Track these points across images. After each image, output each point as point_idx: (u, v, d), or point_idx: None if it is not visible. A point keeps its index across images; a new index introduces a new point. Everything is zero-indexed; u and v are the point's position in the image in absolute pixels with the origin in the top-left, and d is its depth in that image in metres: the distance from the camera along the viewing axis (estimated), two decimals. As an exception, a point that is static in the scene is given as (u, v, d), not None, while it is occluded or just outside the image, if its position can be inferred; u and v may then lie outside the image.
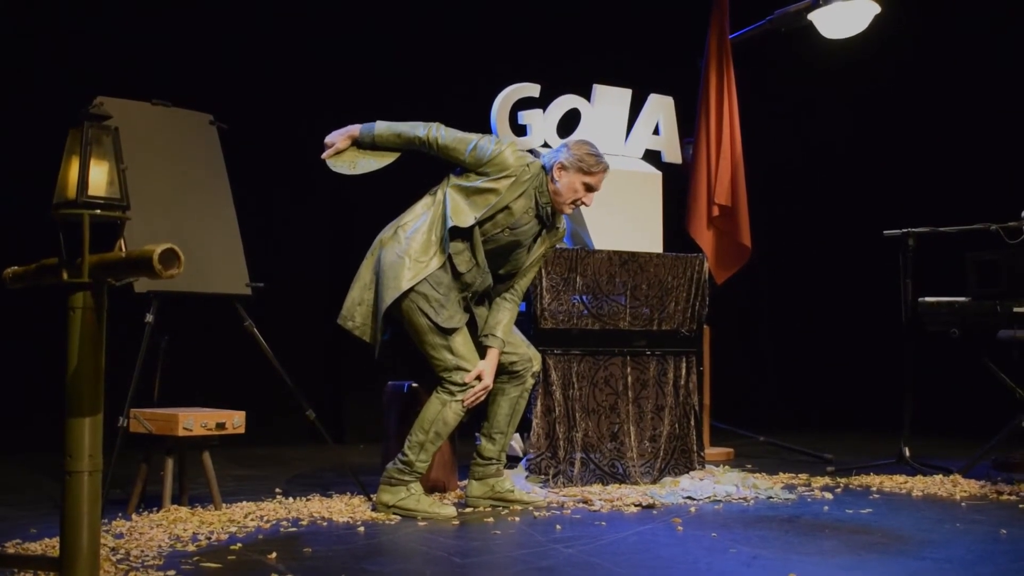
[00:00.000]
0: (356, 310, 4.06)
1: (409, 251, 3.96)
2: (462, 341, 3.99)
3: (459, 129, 4.09)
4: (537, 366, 4.24)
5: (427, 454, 3.99)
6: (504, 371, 4.15)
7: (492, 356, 4.06)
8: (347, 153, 4.16)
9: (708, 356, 5.75)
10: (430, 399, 4.03)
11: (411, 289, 3.92)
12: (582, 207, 4.13)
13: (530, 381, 4.21)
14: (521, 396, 4.20)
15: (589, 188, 4.07)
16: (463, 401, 3.97)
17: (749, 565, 3.09)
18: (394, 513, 3.93)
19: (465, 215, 3.97)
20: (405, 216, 4.09)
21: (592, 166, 4.05)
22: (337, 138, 4.15)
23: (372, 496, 4.24)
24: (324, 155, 4.14)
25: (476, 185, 3.99)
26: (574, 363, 4.69)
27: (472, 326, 4.12)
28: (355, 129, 4.14)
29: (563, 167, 4.05)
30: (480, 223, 3.97)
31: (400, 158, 4.16)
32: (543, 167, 4.08)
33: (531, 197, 4.03)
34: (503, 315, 4.13)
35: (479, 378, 3.99)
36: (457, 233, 3.96)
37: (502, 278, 4.16)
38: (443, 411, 3.97)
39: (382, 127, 4.11)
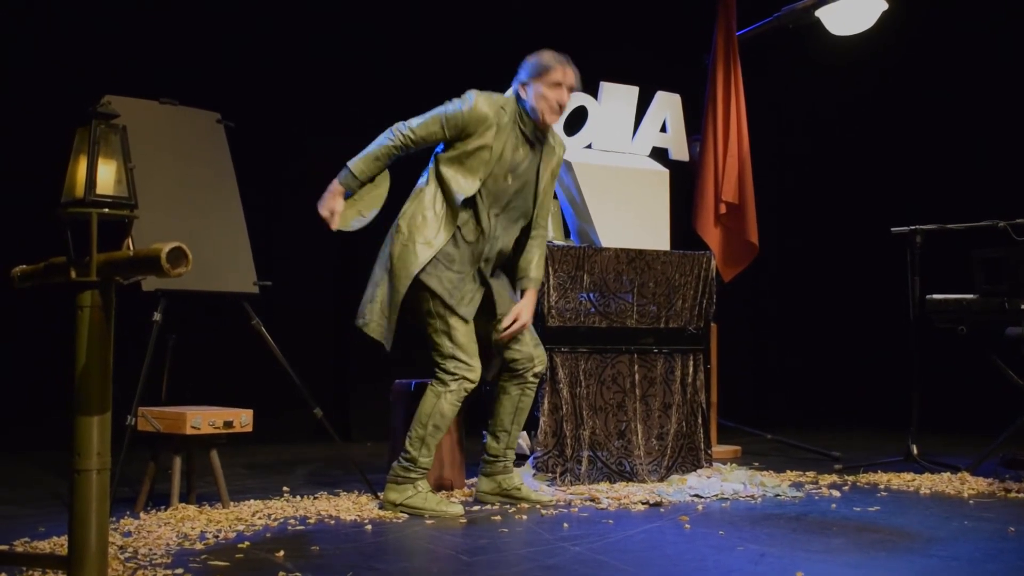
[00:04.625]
0: (367, 308, 4.06)
1: (413, 236, 3.96)
2: (464, 331, 3.99)
3: None
4: (540, 367, 4.22)
5: (428, 448, 3.98)
6: (506, 368, 4.17)
7: (529, 296, 4.13)
8: (348, 210, 4.05)
9: (715, 354, 5.74)
10: (425, 393, 4.03)
11: (423, 270, 3.93)
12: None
13: (531, 380, 4.20)
14: (523, 394, 4.20)
15: (556, 85, 3.99)
16: (461, 382, 3.96)
17: (756, 563, 3.09)
18: (401, 511, 3.93)
19: (467, 183, 3.96)
20: (405, 206, 4.09)
21: (546, 64, 4.00)
22: (331, 202, 4.02)
23: (379, 494, 4.24)
24: (333, 227, 4.02)
25: (466, 149, 3.96)
26: (581, 361, 4.69)
27: (479, 321, 4.12)
28: (335, 184, 4.01)
29: (524, 84, 4.04)
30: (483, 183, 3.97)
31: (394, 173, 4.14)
32: (515, 98, 4.06)
33: (515, 131, 4.01)
34: (533, 253, 4.16)
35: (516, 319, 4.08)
36: (463, 203, 3.96)
37: (524, 230, 4.15)
38: (439, 403, 3.97)
39: (357, 163, 4.01)
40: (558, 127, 4.65)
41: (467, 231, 3.98)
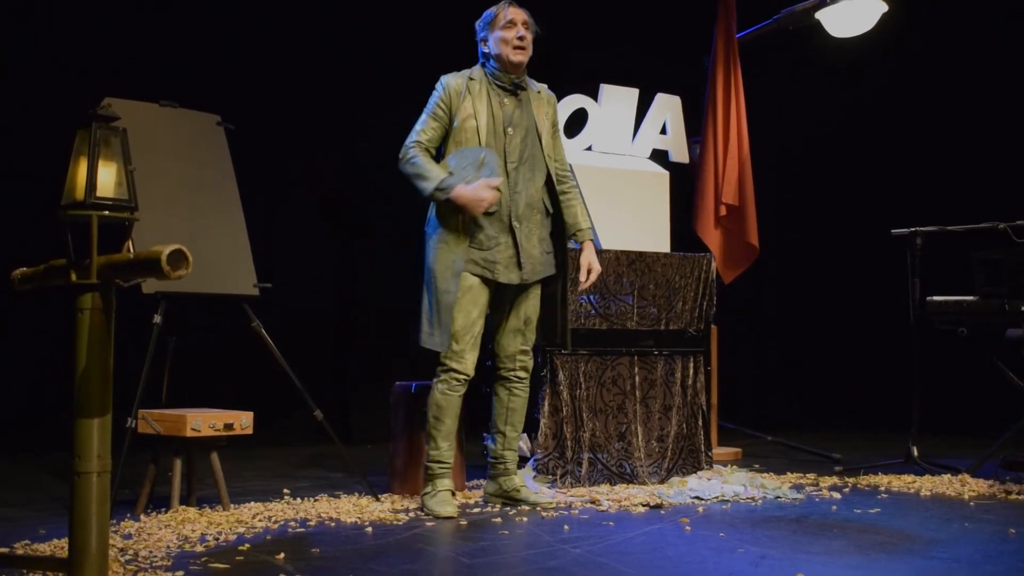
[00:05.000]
0: (420, 323, 4.10)
1: (444, 236, 4.02)
2: (461, 323, 4.02)
3: None
4: (521, 371, 4.23)
5: (434, 441, 4.06)
6: (494, 367, 4.25)
7: (588, 247, 4.24)
8: (474, 176, 3.97)
9: (715, 356, 5.74)
10: None
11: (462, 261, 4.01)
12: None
13: (515, 381, 4.22)
14: (511, 395, 4.23)
15: (509, 25, 4.09)
16: (450, 372, 4.04)
17: (757, 565, 3.09)
18: (421, 508, 4.02)
19: (468, 159, 4.03)
20: (428, 214, 4.15)
21: (492, 12, 4.15)
22: (470, 193, 3.92)
23: (379, 496, 4.26)
24: (495, 184, 3.94)
25: (456, 127, 4.06)
26: (581, 363, 4.69)
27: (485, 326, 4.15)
28: (454, 192, 3.92)
29: (484, 40, 4.17)
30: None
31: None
32: (481, 62, 4.19)
33: (492, 88, 4.12)
34: (574, 207, 4.26)
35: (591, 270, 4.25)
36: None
37: (551, 188, 4.20)
38: (433, 393, 4.08)
39: (427, 184, 3.97)
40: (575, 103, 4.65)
41: None
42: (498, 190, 3.97)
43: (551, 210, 4.21)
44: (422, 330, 4.05)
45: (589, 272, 4.24)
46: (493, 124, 4.06)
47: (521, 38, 4.08)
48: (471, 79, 4.12)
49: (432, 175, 3.98)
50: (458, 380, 4.04)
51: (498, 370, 4.23)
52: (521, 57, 4.10)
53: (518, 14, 4.12)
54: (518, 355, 4.21)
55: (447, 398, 4.04)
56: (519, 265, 4.07)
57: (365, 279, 6.75)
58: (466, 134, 4.05)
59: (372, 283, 6.70)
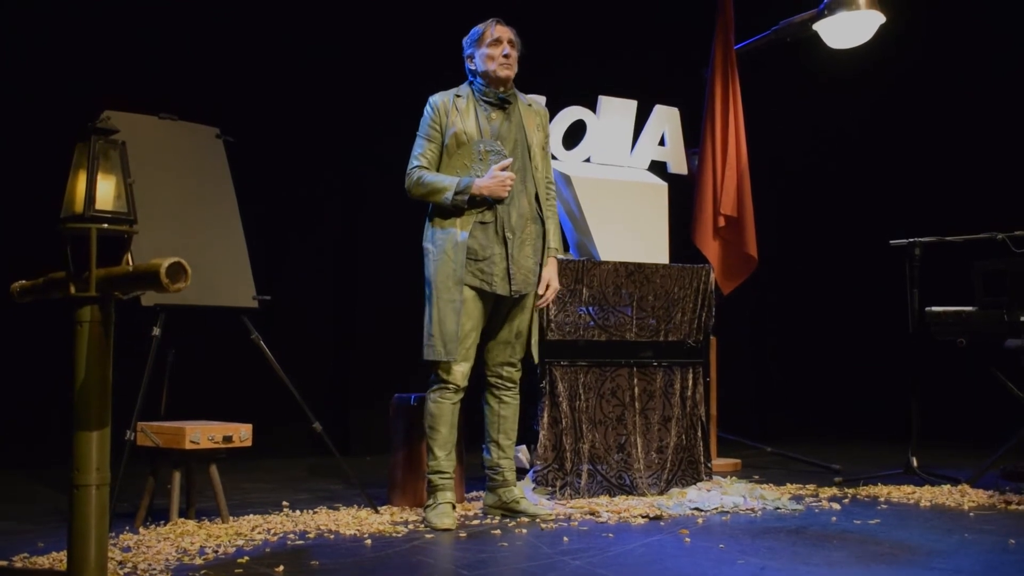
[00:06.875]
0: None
1: (444, 248, 4.05)
2: (452, 321, 4.04)
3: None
4: (509, 382, 4.24)
5: (432, 452, 4.09)
6: (483, 375, 4.26)
7: (552, 264, 4.23)
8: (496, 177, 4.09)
9: (715, 367, 5.73)
10: None
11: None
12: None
13: (505, 390, 4.24)
14: (501, 404, 4.25)
15: (495, 43, 4.15)
16: (440, 383, 4.08)
17: (757, 576, 3.09)
18: (422, 520, 4.03)
19: (465, 159, 4.11)
20: (424, 230, 4.17)
21: (479, 29, 4.21)
22: (493, 181, 4.05)
23: (379, 508, 4.25)
24: (507, 161, 4.10)
25: (448, 145, 4.12)
26: (581, 374, 4.69)
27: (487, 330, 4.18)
28: (476, 186, 4.02)
29: (470, 57, 4.23)
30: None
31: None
32: (469, 80, 4.26)
33: (479, 103, 4.18)
34: (548, 227, 4.25)
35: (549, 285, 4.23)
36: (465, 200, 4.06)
37: (536, 197, 4.23)
38: (427, 403, 4.12)
39: (447, 195, 4.04)
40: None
41: (483, 216, 4.08)
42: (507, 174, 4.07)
43: (544, 221, 4.23)
44: (425, 344, 4.07)
45: (548, 288, 4.21)
46: (480, 139, 4.11)
47: (507, 56, 4.15)
48: (458, 96, 4.19)
49: (446, 183, 4.05)
50: (447, 389, 4.08)
51: (487, 379, 4.26)
52: (507, 72, 4.17)
53: (504, 32, 4.19)
54: (505, 366, 4.23)
55: (439, 406, 4.08)
56: (510, 277, 4.09)
57: (364, 291, 6.75)
58: (457, 150, 4.12)
59: (371, 295, 6.70)
